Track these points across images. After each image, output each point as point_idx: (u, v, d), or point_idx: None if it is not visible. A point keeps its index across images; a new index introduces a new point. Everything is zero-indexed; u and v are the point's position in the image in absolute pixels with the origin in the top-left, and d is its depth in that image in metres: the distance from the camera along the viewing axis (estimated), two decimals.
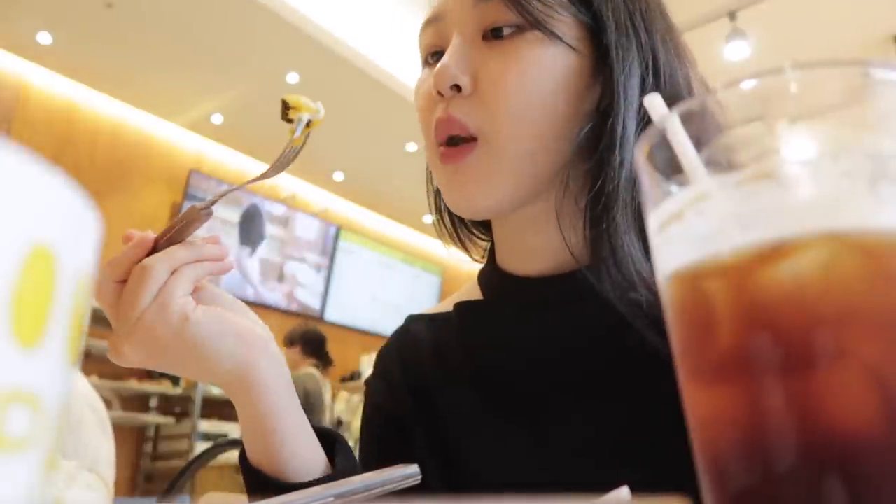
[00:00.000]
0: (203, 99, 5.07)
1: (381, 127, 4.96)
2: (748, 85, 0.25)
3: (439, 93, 0.60)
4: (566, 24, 0.59)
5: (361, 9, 4.40)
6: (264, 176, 0.57)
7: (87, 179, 4.61)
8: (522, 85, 0.58)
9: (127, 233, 0.55)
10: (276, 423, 0.56)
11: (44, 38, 4.37)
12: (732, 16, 4.01)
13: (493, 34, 0.60)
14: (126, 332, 0.52)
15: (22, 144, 0.13)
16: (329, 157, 5.60)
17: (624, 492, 0.33)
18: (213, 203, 0.56)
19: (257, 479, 0.56)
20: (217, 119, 5.34)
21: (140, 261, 0.53)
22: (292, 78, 4.70)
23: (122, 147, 5.18)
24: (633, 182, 0.58)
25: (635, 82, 0.60)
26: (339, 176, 6.16)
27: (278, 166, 0.57)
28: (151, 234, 0.55)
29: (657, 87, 0.60)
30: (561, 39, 0.59)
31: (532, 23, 0.58)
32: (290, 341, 4.37)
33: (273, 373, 0.56)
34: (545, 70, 0.59)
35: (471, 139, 0.59)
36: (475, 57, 0.60)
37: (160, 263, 0.53)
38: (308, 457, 0.57)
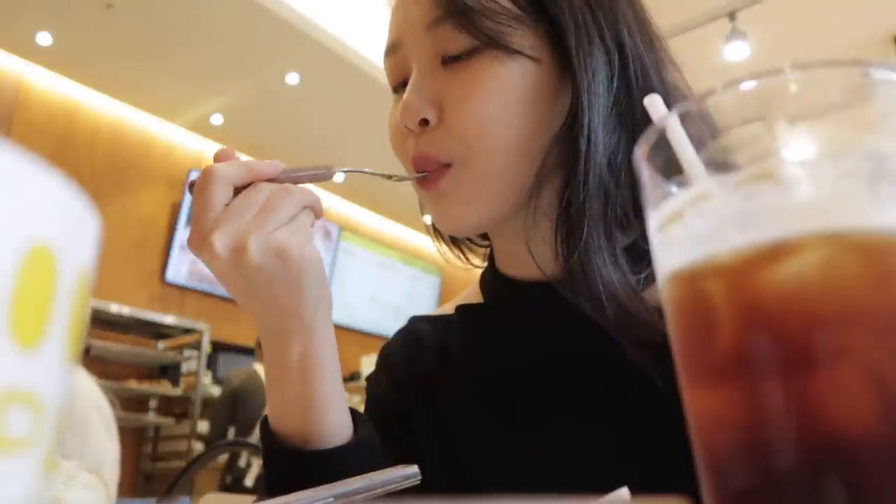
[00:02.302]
0: (203, 99, 5.07)
1: (382, 127, 4.96)
2: (748, 85, 0.25)
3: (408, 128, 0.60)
4: (522, 35, 0.58)
5: (361, 9, 4.40)
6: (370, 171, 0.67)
7: (86, 180, 4.61)
8: (486, 107, 0.57)
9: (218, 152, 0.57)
10: (322, 376, 0.56)
11: (44, 38, 4.37)
12: (732, 16, 4.00)
13: (452, 58, 0.59)
14: (258, 235, 0.52)
15: (22, 145, 0.13)
16: (329, 157, 5.60)
17: (624, 492, 0.33)
18: (348, 171, 0.64)
19: (277, 448, 0.56)
20: (217, 119, 5.34)
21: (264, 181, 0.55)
22: (292, 78, 4.70)
23: (122, 147, 5.18)
24: (606, 193, 0.57)
25: (601, 86, 0.58)
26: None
27: (368, 172, 0.67)
28: (279, 164, 0.57)
29: (627, 89, 0.59)
30: (520, 53, 0.58)
31: (486, 42, 0.57)
32: None
33: (331, 331, 0.58)
34: (507, 88, 0.58)
35: (444, 166, 0.60)
36: (436, 85, 0.59)
37: (300, 195, 0.55)
38: (342, 415, 0.57)
